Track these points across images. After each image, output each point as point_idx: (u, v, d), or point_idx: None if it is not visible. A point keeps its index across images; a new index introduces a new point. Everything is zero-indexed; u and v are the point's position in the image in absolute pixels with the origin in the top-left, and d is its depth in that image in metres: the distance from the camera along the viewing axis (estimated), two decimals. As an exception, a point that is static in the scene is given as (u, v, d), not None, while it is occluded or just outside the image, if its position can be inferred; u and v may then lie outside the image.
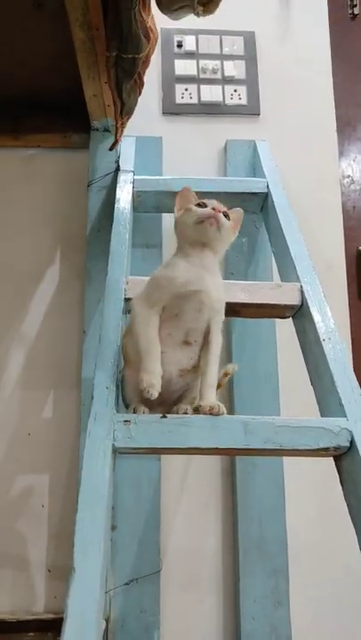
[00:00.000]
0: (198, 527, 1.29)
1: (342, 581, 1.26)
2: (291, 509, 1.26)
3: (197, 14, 0.98)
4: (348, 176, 1.69)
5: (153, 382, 0.80)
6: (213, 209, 0.86)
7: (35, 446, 1.31)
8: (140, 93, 1.13)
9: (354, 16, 1.78)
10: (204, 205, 0.88)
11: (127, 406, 0.89)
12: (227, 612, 1.24)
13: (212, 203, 0.88)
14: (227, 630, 1.23)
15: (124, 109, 1.08)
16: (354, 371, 0.87)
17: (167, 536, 1.27)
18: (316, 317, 0.96)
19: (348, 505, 0.79)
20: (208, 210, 0.86)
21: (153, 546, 1.22)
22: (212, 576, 1.26)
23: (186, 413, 0.84)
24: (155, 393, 0.79)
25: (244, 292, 1.01)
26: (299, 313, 1.04)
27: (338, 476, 0.82)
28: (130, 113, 1.13)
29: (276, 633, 1.18)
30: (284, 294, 1.02)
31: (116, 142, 1.18)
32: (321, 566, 1.27)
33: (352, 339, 1.45)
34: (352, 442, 0.78)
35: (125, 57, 0.98)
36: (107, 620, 1.17)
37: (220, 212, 0.86)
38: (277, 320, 1.33)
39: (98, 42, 1.04)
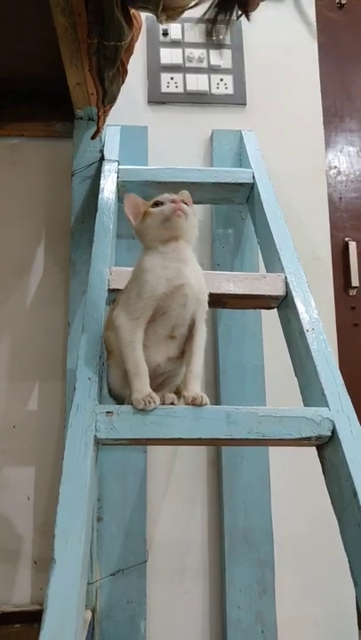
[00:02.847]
0: (184, 518, 1.29)
1: (327, 570, 1.28)
2: (276, 500, 1.26)
3: (160, 22, 0.99)
4: (335, 167, 1.69)
5: (149, 392, 0.79)
6: (173, 201, 0.85)
7: (20, 439, 1.31)
8: (123, 82, 1.12)
9: (341, 5, 1.78)
10: (161, 203, 0.86)
11: (115, 397, 0.88)
12: (213, 601, 1.25)
13: (166, 197, 0.87)
14: (213, 619, 1.24)
15: (107, 97, 1.06)
16: (339, 362, 0.88)
17: (153, 527, 1.27)
18: (300, 308, 0.95)
19: (330, 494, 0.79)
20: (170, 205, 0.85)
21: (139, 537, 1.23)
22: (198, 566, 1.27)
23: (173, 404, 0.84)
24: (156, 400, 0.79)
25: (228, 282, 1.01)
26: (283, 304, 1.04)
27: (321, 468, 0.82)
28: (112, 101, 1.11)
29: (261, 621, 1.19)
30: (269, 285, 1.02)
31: (98, 131, 1.16)
32: (306, 556, 1.28)
33: (338, 330, 1.46)
34: (334, 431, 0.78)
35: (107, 44, 0.97)
36: (93, 611, 1.17)
37: (180, 202, 0.85)
38: (263, 311, 1.33)
39: (80, 28, 1.02)
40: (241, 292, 1.01)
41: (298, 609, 1.25)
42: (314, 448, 0.83)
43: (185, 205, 0.86)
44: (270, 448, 1.27)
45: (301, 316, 0.94)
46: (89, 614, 1.14)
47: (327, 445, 0.80)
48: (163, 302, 0.81)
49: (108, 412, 0.78)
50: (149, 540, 1.25)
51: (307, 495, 1.29)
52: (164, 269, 0.82)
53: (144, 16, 1.36)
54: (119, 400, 0.88)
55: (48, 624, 0.58)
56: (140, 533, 1.23)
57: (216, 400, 1.30)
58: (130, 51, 1.13)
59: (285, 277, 1.02)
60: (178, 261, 0.84)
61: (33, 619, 1.19)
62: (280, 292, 1.01)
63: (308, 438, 0.78)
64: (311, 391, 0.87)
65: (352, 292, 1.58)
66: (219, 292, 1.00)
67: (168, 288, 0.81)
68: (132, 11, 1.05)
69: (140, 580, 1.21)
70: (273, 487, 1.26)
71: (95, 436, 0.77)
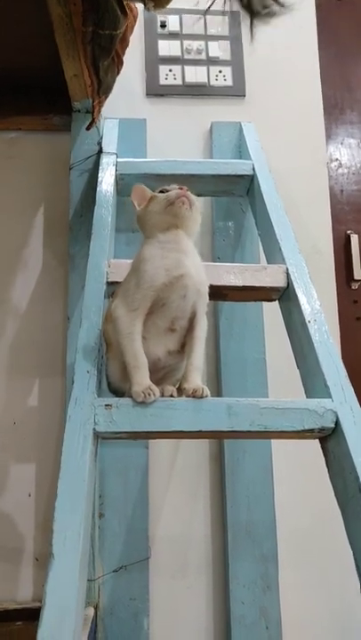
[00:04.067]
0: (187, 513, 1.28)
1: (331, 565, 1.26)
2: (279, 494, 1.25)
3: (148, 9, 0.98)
4: (336, 159, 1.67)
5: (148, 385, 0.78)
6: (180, 189, 0.85)
7: (20, 435, 1.30)
8: (118, 72, 1.10)
9: (340, -4, 1.76)
10: (167, 191, 0.86)
11: (114, 391, 0.87)
12: (216, 597, 1.24)
13: (174, 187, 0.86)
14: (216, 616, 1.23)
15: (102, 88, 1.05)
16: (342, 356, 0.86)
17: (156, 523, 1.26)
18: (302, 299, 0.94)
19: (333, 487, 0.78)
20: (176, 191, 0.85)
21: (141, 533, 1.21)
22: (202, 562, 1.26)
23: (172, 396, 0.83)
24: (156, 392, 0.78)
25: (228, 274, 1.00)
26: (285, 295, 1.02)
27: (324, 460, 0.81)
28: (107, 92, 1.10)
29: (265, 617, 1.18)
30: (270, 276, 1.00)
31: (93, 121, 1.15)
32: (310, 550, 1.27)
33: (340, 324, 1.44)
34: (337, 423, 0.77)
35: (102, 33, 0.95)
36: (95, 608, 1.16)
37: (186, 190, 0.85)
38: (264, 305, 1.32)
39: (76, 17, 1.01)
40: (241, 284, 1.00)
41: (302, 604, 1.24)
42: (317, 441, 0.82)
43: (192, 195, 0.85)
44: (273, 442, 1.26)
45: (303, 307, 0.92)
46: (91, 611, 1.13)
47: (330, 437, 0.78)
48: (162, 293, 0.80)
49: (107, 405, 0.77)
50: (152, 536, 1.24)
51: (310, 489, 1.28)
52: (163, 259, 0.81)
53: (140, 8, 1.35)
54: (119, 394, 0.86)
55: (46, 620, 0.57)
56: (143, 529, 1.22)
57: (218, 394, 1.29)
58: (125, 42, 1.12)
59: (287, 268, 1.01)
60: (178, 252, 0.82)
61: (35, 616, 1.16)
62: (281, 283, 1.00)
63: (311, 430, 0.77)
64: (313, 382, 0.85)
65: (354, 286, 1.56)
66: (219, 283, 0.98)
67: (167, 278, 0.80)
68: (126, 1, 1.04)
69: (142, 577, 1.20)
70: (276, 481, 1.25)
71: (94, 429, 0.76)
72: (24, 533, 1.25)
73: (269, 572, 1.20)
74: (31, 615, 1.17)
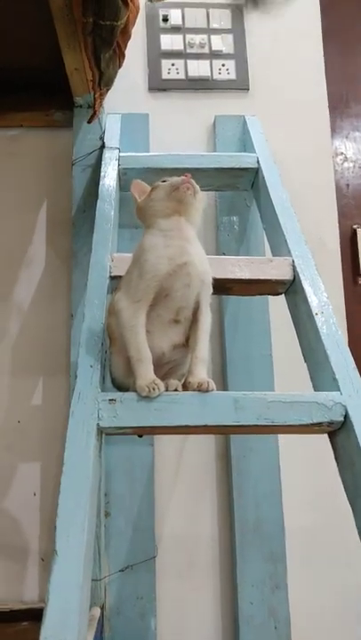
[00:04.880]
0: (194, 512, 1.26)
1: (341, 563, 1.24)
2: (287, 492, 1.23)
3: (151, 1, 0.96)
4: (342, 153, 1.65)
5: (153, 378, 0.76)
6: (185, 176, 0.84)
7: (25, 434, 1.29)
8: (120, 65, 1.09)
9: (345, -12, 1.73)
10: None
11: (118, 387, 0.85)
12: (224, 597, 1.22)
13: (175, 177, 0.85)
14: (224, 615, 1.21)
15: (103, 80, 1.04)
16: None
17: (162, 522, 1.24)
18: (309, 291, 0.92)
19: (343, 482, 0.76)
20: (180, 178, 0.84)
21: (148, 532, 1.20)
22: (209, 561, 1.24)
23: (176, 390, 0.81)
24: (161, 387, 0.76)
25: (233, 267, 0.98)
26: (291, 289, 1.00)
27: (333, 454, 0.79)
28: (109, 84, 1.08)
29: (274, 617, 1.16)
30: (276, 269, 0.99)
31: (94, 114, 1.13)
32: (319, 548, 1.25)
33: (347, 320, 1.42)
34: (346, 416, 0.75)
35: (103, 24, 0.94)
36: (102, 608, 1.14)
37: (190, 177, 0.84)
38: (270, 301, 1.30)
39: (76, 9, 0.99)
40: (247, 277, 0.98)
41: (312, 603, 1.22)
42: (323, 437, 0.80)
43: (195, 183, 0.84)
44: (280, 439, 1.24)
45: (310, 299, 0.90)
46: (98, 611, 1.11)
47: (340, 431, 0.76)
48: (165, 283, 0.78)
49: (110, 400, 0.76)
50: (158, 534, 1.22)
51: (318, 486, 1.25)
52: (166, 248, 0.79)
53: (143, 1, 1.34)
54: (123, 390, 0.84)
55: (50, 618, 0.55)
56: (149, 528, 1.20)
57: (224, 390, 1.27)
58: (127, 34, 1.10)
59: (293, 261, 0.99)
60: (180, 239, 0.81)
61: (40, 616, 1.16)
62: (288, 275, 0.98)
63: (320, 424, 0.75)
64: (322, 375, 0.83)
65: (361, 281, 1.54)
66: (223, 277, 0.97)
67: (171, 267, 0.78)
68: None
69: (149, 576, 1.18)
70: (283, 479, 1.23)
71: (98, 424, 0.74)
72: (29, 533, 1.24)
73: (278, 571, 1.18)
74: (37, 615, 1.15)
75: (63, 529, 0.63)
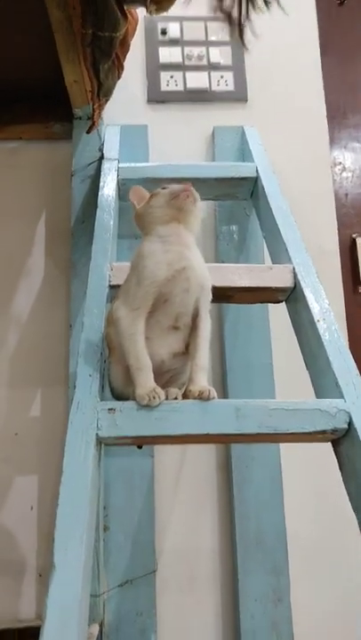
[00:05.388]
0: (194, 525, 1.24)
1: (344, 575, 1.22)
2: (289, 504, 1.21)
3: (150, 13, 0.97)
4: (340, 163, 1.65)
5: (153, 387, 0.75)
6: (184, 184, 0.84)
7: (22, 446, 1.27)
8: (119, 76, 1.09)
9: (341, 2, 1.76)
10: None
11: (118, 397, 0.84)
12: (226, 611, 1.19)
13: (174, 184, 0.85)
14: (226, 630, 1.18)
15: (102, 91, 1.04)
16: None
17: (162, 535, 1.22)
18: (310, 297, 0.91)
19: (347, 492, 0.75)
20: (179, 185, 0.84)
21: (147, 545, 1.18)
22: (210, 575, 1.21)
23: (176, 399, 0.80)
24: (161, 395, 0.75)
25: (233, 274, 0.97)
26: (292, 296, 1.00)
27: (337, 464, 0.78)
28: (108, 95, 1.09)
29: (277, 632, 1.13)
30: (276, 276, 0.98)
31: (93, 124, 1.14)
32: (322, 561, 1.23)
33: (348, 329, 1.41)
34: (350, 424, 0.74)
35: (102, 35, 0.95)
36: (101, 624, 1.12)
37: (190, 185, 0.83)
38: (271, 309, 1.29)
39: (76, 21, 1.00)
40: (247, 285, 0.97)
41: (315, 617, 1.19)
42: (326, 447, 0.78)
43: (195, 191, 0.84)
44: (282, 448, 1.22)
45: (311, 306, 0.90)
46: (96, 628, 1.09)
47: (343, 439, 0.75)
48: (164, 288, 0.77)
49: (110, 409, 0.74)
50: (158, 548, 1.20)
51: (321, 498, 1.24)
52: (164, 253, 0.79)
53: (142, 15, 1.34)
54: (122, 400, 0.83)
55: (47, 631, 0.53)
56: (149, 542, 1.18)
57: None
58: (125, 45, 1.11)
59: (293, 268, 0.98)
60: (179, 245, 0.80)
61: (38, 634, 1.13)
62: (288, 283, 0.97)
63: (323, 432, 0.74)
64: (324, 382, 0.82)
65: (361, 289, 1.53)
66: (223, 284, 0.96)
67: (170, 272, 0.77)
68: (127, 6, 1.03)
69: (149, 591, 1.15)
70: (286, 490, 1.21)
71: (97, 434, 0.73)
72: (26, 548, 1.22)
73: (281, 584, 1.16)
74: (35, 633, 1.13)
75: (61, 541, 0.62)
